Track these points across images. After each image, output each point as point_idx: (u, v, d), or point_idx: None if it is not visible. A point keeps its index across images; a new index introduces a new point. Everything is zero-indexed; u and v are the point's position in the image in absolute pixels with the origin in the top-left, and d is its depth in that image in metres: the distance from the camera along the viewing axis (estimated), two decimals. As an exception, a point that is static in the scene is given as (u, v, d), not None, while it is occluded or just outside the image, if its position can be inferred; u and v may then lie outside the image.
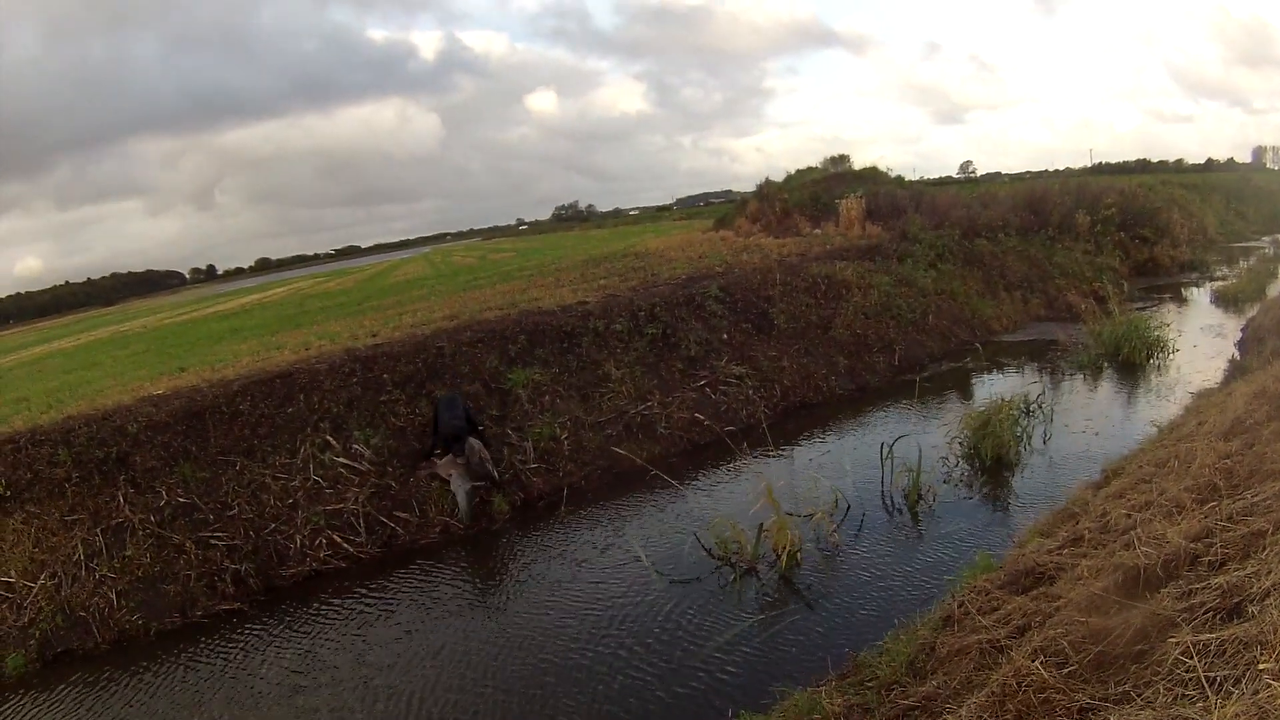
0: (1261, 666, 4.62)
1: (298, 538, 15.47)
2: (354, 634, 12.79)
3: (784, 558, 12.51)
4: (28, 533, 14.71)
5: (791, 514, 13.05)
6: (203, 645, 13.15)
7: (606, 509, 16.26)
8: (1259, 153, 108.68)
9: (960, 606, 8.70)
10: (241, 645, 12.99)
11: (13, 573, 14.20)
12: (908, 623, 9.43)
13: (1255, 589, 5.68)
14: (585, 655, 11.09)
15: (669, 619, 11.65)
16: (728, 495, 15.92)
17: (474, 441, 16.71)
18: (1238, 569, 6.24)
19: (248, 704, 11.17)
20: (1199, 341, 23.37)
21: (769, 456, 17.07)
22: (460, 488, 16.08)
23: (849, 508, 14.16)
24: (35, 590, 14.00)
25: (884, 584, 11.83)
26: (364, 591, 14.28)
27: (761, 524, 12.81)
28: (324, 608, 13.87)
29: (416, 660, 11.67)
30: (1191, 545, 7.09)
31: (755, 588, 12.26)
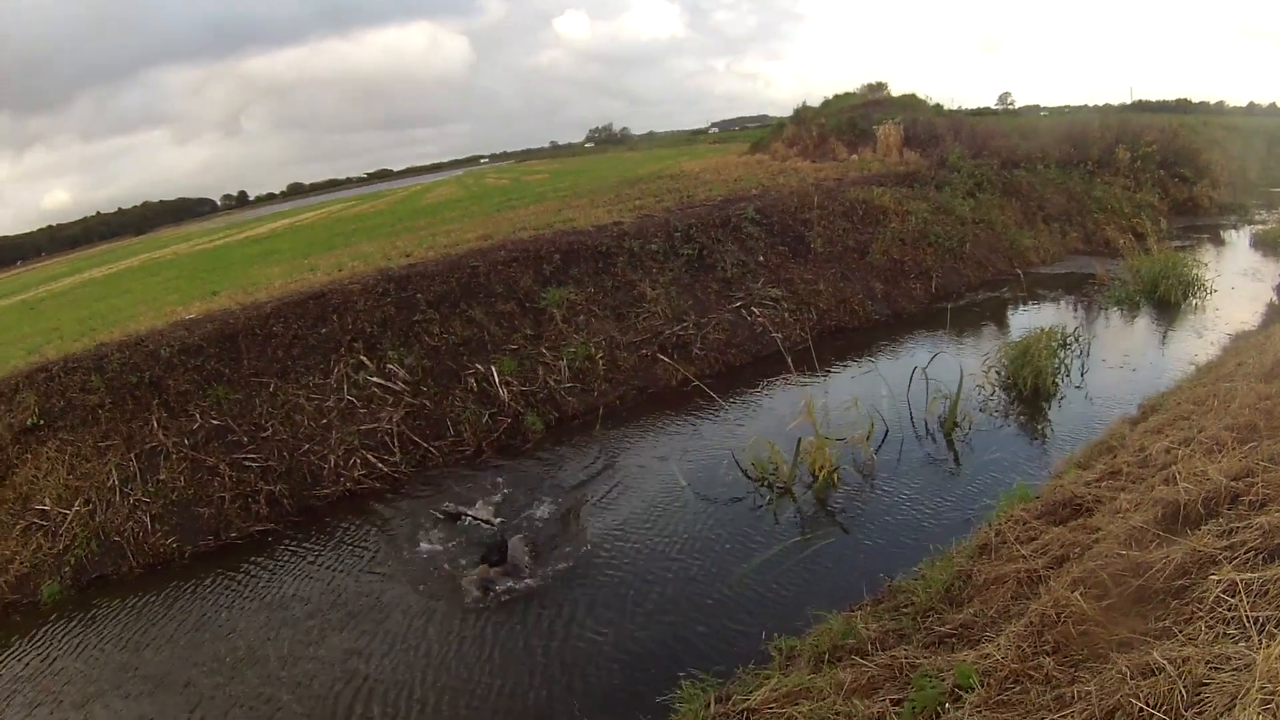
0: (1306, 609, 4.64)
1: (331, 458, 15.62)
2: (385, 553, 12.96)
3: (821, 479, 12.61)
4: (61, 460, 14.93)
5: (828, 437, 13.08)
6: (236, 566, 13.35)
7: (641, 428, 16.38)
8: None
9: (998, 535, 8.76)
10: (274, 566, 13.22)
11: (47, 500, 14.44)
12: (944, 550, 9.55)
13: (1298, 531, 5.68)
14: (619, 574, 11.26)
15: (704, 539, 11.79)
16: (763, 416, 16.08)
17: (516, 541, 12.33)
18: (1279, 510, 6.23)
19: (278, 624, 11.36)
20: (1237, 283, 23.09)
21: (805, 379, 16.94)
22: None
23: (887, 432, 14.24)
24: (70, 517, 14.23)
25: (920, 510, 11.92)
26: (396, 510, 14.42)
27: (799, 440, 12.92)
28: (357, 527, 14.06)
29: (446, 577, 11.83)
30: (1232, 483, 7.07)
31: (791, 509, 12.39)
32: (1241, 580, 5.27)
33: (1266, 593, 5.08)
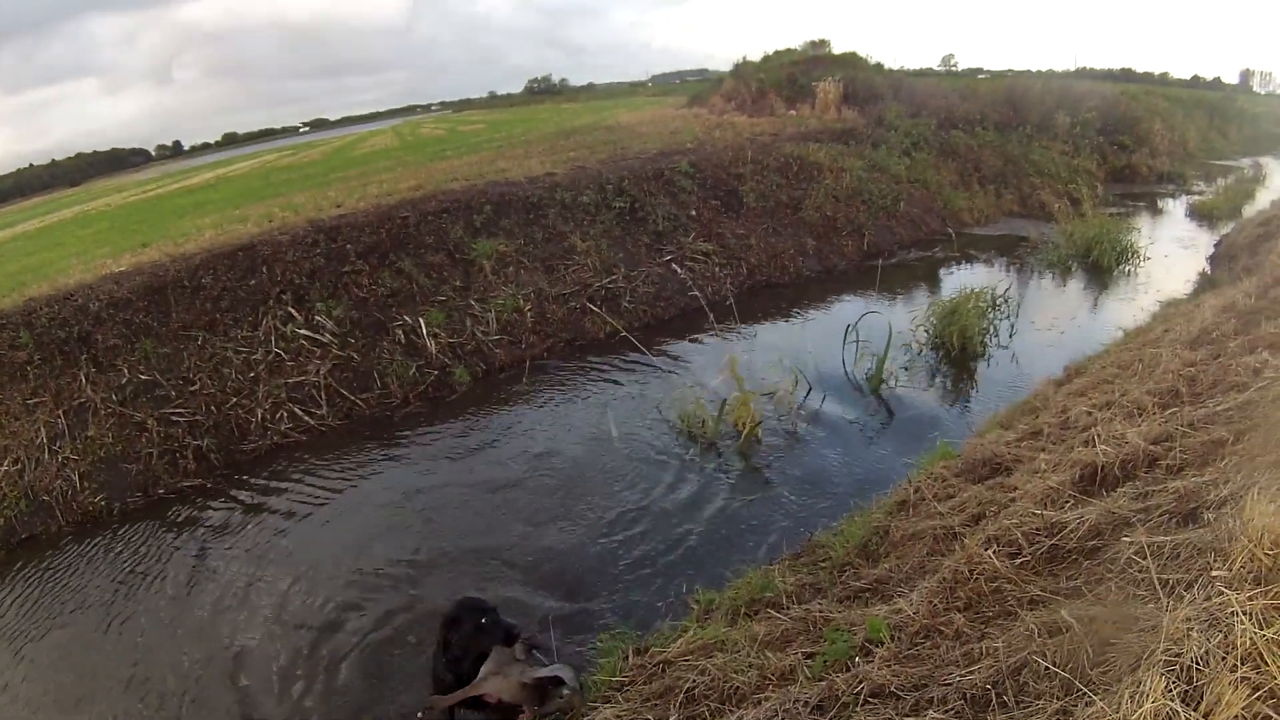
0: (1214, 573, 4.60)
1: (259, 411, 15.34)
2: (313, 505, 12.76)
3: (745, 434, 12.61)
4: (-11, 419, 14.59)
5: (753, 391, 13.07)
6: (164, 522, 13.04)
7: (569, 381, 16.22)
8: (1246, 75, 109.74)
9: (916, 492, 8.74)
10: (203, 521, 12.88)
11: (-27, 461, 14.07)
12: (863, 506, 9.59)
13: (1212, 496, 5.69)
14: (543, 525, 11.13)
15: (628, 492, 11.72)
16: (691, 370, 15.95)
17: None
18: (1195, 475, 6.25)
19: (207, 582, 11.03)
20: (1170, 252, 23.24)
21: (733, 334, 17.03)
22: None
23: (810, 388, 14.22)
24: (-1, 477, 13.94)
25: (842, 466, 11.92)
26: (324, 463, 14.20)
27: (725, 400, 12.99)
28: (285, 480, 13.80)
29: (372, 530, 11.67)
30: (1151, 447, 7.12)
31: (715, 464, 12.29)
32: (1153, 543, 5.27)
33: (1178, 556, 5.07)
